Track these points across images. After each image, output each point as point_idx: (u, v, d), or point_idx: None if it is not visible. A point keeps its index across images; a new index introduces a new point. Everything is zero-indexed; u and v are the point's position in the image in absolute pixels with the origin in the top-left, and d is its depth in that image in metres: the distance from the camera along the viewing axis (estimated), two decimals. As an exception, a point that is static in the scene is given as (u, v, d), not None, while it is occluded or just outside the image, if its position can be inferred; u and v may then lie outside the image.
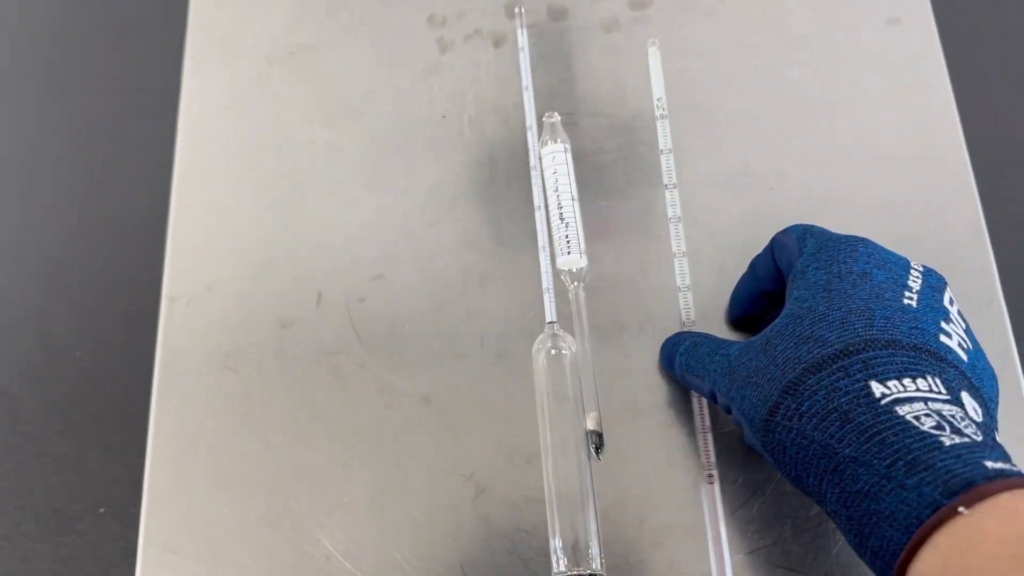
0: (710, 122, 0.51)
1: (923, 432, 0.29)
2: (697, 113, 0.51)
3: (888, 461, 0.30)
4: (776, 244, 0.41)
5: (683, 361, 0.41)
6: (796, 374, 0.33)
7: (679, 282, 0.47)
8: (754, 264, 0.43)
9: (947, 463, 0.28)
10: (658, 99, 0.51)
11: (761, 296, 0.43)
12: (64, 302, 1.05)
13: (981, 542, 0.26)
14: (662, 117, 0.51)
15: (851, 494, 0.30)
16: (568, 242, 0.46)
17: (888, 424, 0.30)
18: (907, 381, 0.31)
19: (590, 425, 0.44)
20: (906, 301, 0.34)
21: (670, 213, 0.49)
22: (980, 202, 0.48)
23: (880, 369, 0.32)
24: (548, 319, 0.46)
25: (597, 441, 0.43)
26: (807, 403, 0.32)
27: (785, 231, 0.40)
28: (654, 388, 0.45)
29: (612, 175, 0.50)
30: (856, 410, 0.31)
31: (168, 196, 0.53)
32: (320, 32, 0.56)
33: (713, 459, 0.44)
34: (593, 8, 0.54)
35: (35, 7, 1.25)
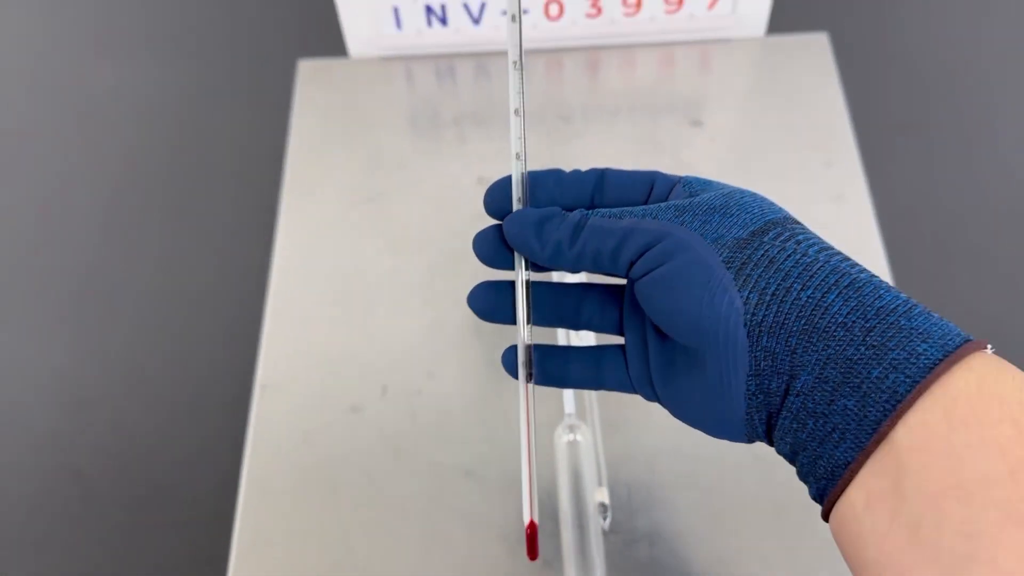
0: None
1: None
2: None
3: (907, 295, 0.32)
4: (616, 175, 0.38)
5: (582, 217, 0.36)
6: (778, 216, 0.35)
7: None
8: (563, 178, 0.38)
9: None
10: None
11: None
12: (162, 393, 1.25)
13: (1009, 372, 0.30)
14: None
15: (874, 308, 0.31)
16: (585, 352, 0.59)
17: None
18: None
19: (599, 498, 0.55)
20: None
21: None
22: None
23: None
24: (567, 411, 0.59)
25: (604, 512, 0.55)
26: (803, 235, 0.34)
27: (630, 171, 0.38)
28: (655, 469, 0.57)
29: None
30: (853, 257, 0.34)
31: (263, 309, 0.66)
32: (388, 184, 0.71)
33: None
34: (606, 176, 0.70)
35: (153, 144, 1.46)
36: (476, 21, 0.75)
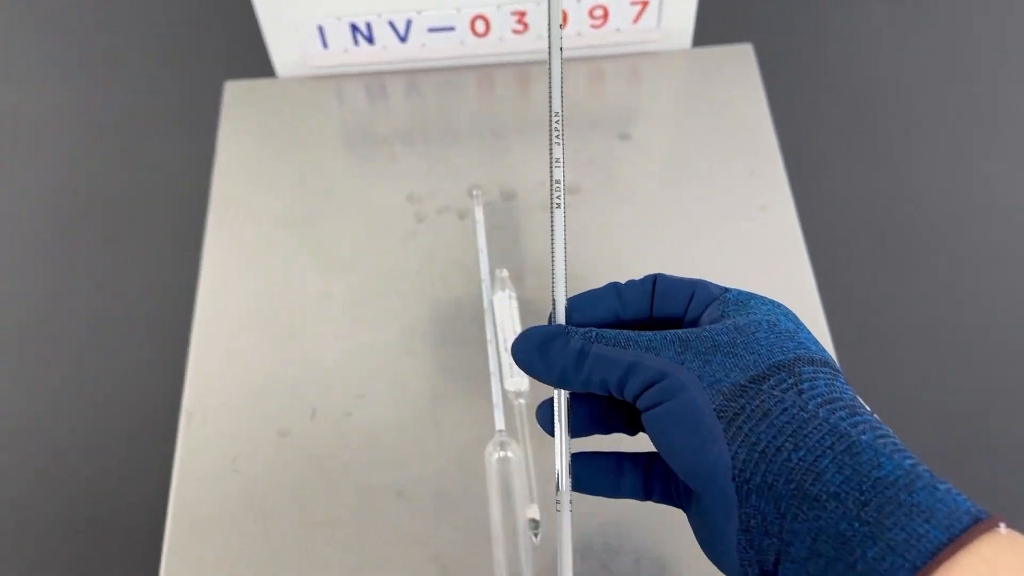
0: (620, 277, 0.65)
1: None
2: (614, 271, 0.66)
3: (912, 461, 0.29)
4: (666, 282, 0.38)
5: (585, 342, 0.35)
6: (787, 358, 0.32)
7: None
8: (621, 290, 0.38)
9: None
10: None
11: (617, 321, 0.38)
12: (88, 421, 1.23)
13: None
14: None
15: (871, 480, 0.28)
16: (512, 367, 0.59)
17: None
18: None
19: (529, 514, 0.55)
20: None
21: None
22: (832, 343, 0.62)
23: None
24: (497, 428, 0.58)
25: (535, 528, 0.55)
26: (807, 383, 0.31)
27: (678, 278, 0.38)
28: (581, 485, 0.57)
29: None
30: (865, 407, 0.31)
31: (189, 331, 0.65)
32: (318, 206, 0.70)
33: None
34: (535, 192, 0.70)
35: (78, 170, 1.44)
36: (403, 39, 0.75)
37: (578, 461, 0.38)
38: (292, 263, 0.67)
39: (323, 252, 0.68)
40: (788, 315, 0.35)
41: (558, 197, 0.36)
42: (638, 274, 0.38)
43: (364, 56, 0.76)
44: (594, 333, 0.35)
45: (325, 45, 0.75)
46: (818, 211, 1.27)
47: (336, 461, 0.59)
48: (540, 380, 0.36)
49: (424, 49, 0.76)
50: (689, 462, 0.32)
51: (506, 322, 0.61)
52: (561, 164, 0.36)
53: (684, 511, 0.36)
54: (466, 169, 0.72)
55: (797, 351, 0.33)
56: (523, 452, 0.57)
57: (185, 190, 1.19)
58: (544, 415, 0.38)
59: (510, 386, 0.59)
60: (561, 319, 0.37)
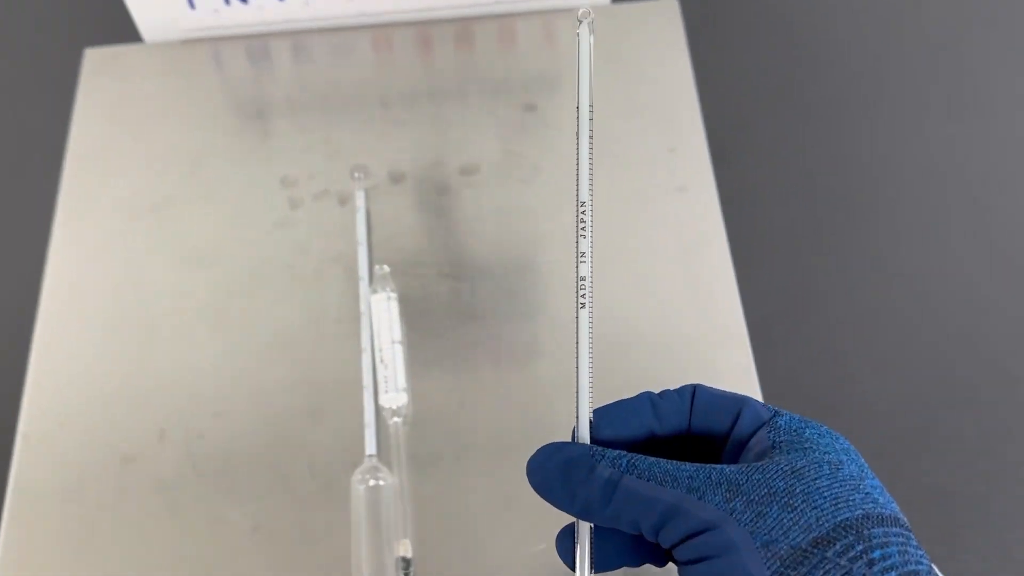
0: (521, 271, 0.58)
1: None
2: (514, 265, 0.58)
3: None
4: (706, 396, 0.34)
5: (614, 471, 0.31)
6: (854, 515, 0.28)
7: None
8: (656, 403, 0.34)
9: None
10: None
11: (650, 437, 0.34)
12: None
13: None
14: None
15: None
16: (387, 382, 0.52)
17: None
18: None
19: (400, 552, 0.48)
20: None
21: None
22: (749, 341, 0.55)
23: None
24: (367, 452, 0.51)
25: (405, 567, 0.48)
26: (878, 551, 0.28)
27: (720, 392, 0.34)
28: (464, 513, 0.50)
29: (437, 318, 0.56)
30: None
31: (31, 338, 0.57)
32: (181, 188, 0.62)
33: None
34: (428, 173, 0.62)
35: None
36: (279, -3, 0.66)
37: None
38: (147, 258, 0.59)
39: (182, 244, 0.60)
40: (849, 452, 0.31)
41: (583, 296, 0.32)
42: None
43: (240, 16, 0.67)
44: (624, 461, 0.31)
45: (192, 5, 0.66)
46: (741, 192, 1.15)
47: (185, 491, 0.51)
48: (561, 509, 0.32)
49: (307, 8, 0.67)
50: None
51: (383, 327, 0.54)
52: (588, 259, 0.32)
53: None
54: (350, 146, 0.63)
55: (864, 506, 0.29)
56: (397, 480, 0.50)
57: (33, 175, 1.04)
58: (564, 546, 0.33)
59: (385, 402, 0.52)
60: (585, 437, 0.32)
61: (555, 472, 0.31)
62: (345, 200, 0.61)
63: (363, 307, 0.55)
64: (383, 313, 0.54)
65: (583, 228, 0.33)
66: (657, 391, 0.34)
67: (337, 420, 0.53)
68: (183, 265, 0.59)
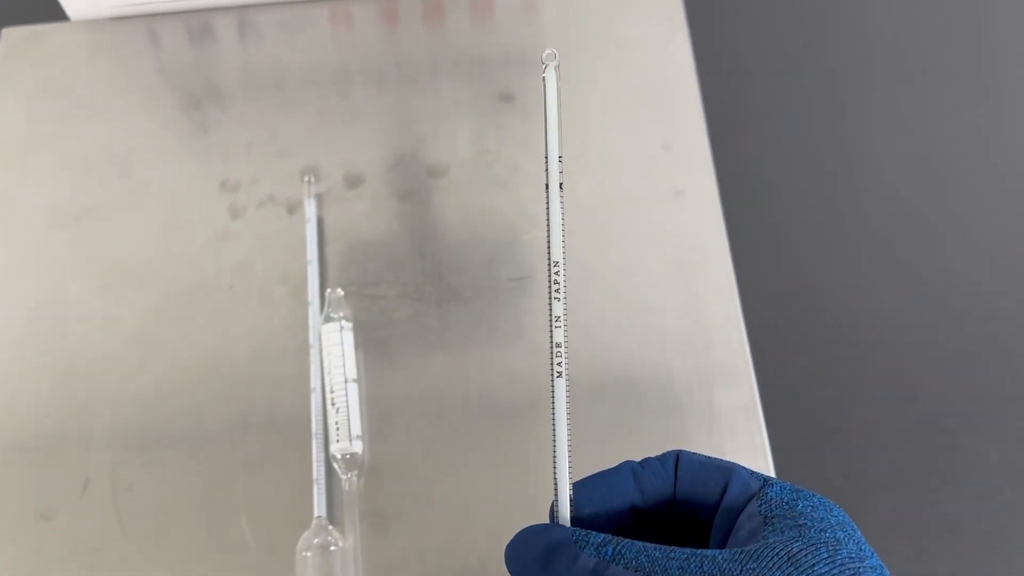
0: (495, 291, 0.51)
1: None
2: (487, 284, 0.51)
3: None
4: (691, 464, 0.33)
5: (599, 561, 0.29)
6: None
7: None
8: (638, 473, 0.33)
9: None
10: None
11: (631, 510, 0.32)
12: None
13: None
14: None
15: None
16: (338, 429, 0.45)
17: None
18: None
19: (356, 628, 0.42)
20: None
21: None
22: (754, 375, 0.48)
23: None
24: (316, 513, 0.45)
25: (362, 645, 0.42)
26: None
27: (706, 459, 0.33)
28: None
29: (397, 348, 0.49)
30: None
31: (-65, 370, 0.50)
32: (106, 195, 0.54)
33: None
34: (390, 176, 0.54)
35: None
36: (218, -31, 0.57)
37: None
38: (67, 278, 0.52)
39: (109, 260, 0.52)
40: (845, 527, 0.30)
41: (559, 364, 0.29)
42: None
43: (174, -9, 0.59)
44: (610, 549, 0.29)
45: (117, -22, 0.57)
46: (744, 197, 1.03)
47: (112, 553, 0.45)
48: None
49: (251, -19, 0.59)
50: None
51: (334, 363, 0.47)
52: (562, 324, 0.29)
53: None
54: (301, 143, 0.56)
55: None
56: (352, 544, 0.44)
57: None
58: None
59: (336, 451, 0.45)
60: (566, 516, 0.30)
61: (534, 561, 0.29)
62: (294, 208, 0.53)
63: (312, 338, 0.48)
64: (335, 347, 0.47)
65: (556, 290, 0.29)
66: (639, 459, 0.32)
67: (282, 471, 0.46)
68: (109, 285, 0.51)
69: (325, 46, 0.60)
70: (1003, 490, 0.96)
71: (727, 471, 0.31)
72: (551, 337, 0.29)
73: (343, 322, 0.48)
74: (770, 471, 0.46)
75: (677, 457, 0.32)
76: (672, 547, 0.29)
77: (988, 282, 1.09)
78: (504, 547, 0.30)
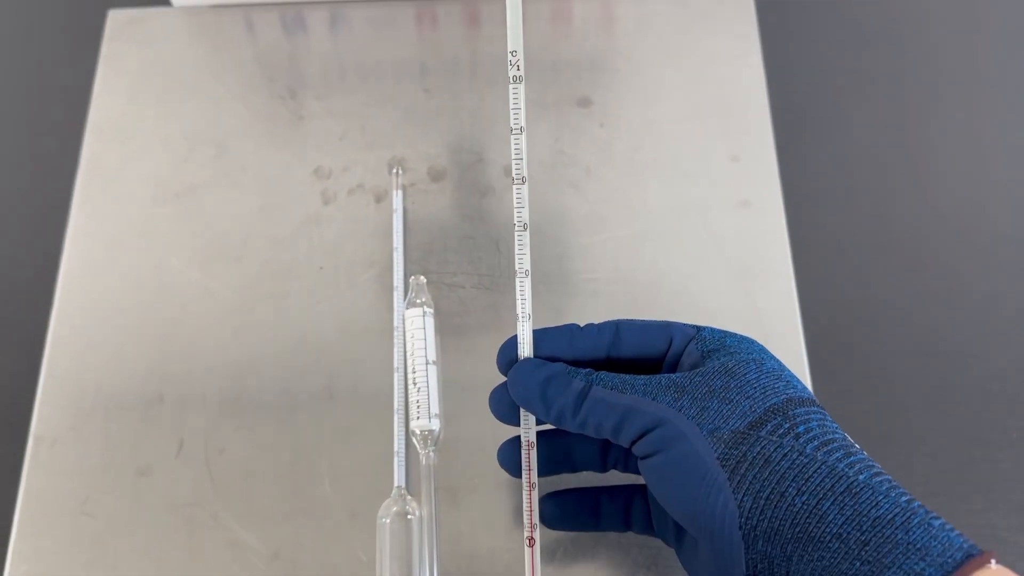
0: (570, 290, 0.54)
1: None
2: (558, 278, 0.54)
3: (907, 497, 0.31)
4: (632, 329, 0.38)
5: (586, 384, 0.36)
6: (779, 400, 0.34)
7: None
8: (574, 333, 0.39)
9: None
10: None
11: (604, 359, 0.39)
12: None
13: None
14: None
15: (870, 519, 0.30)
16: (419, 407, 0.48)
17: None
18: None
19: (429, 591, 0.45)
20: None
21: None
22: (811, 384, 0.51)
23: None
24: (396, 483, 0.48)
25: (434, 607, 0.45)
26: (803, 426, 0.33)
27: (646, 322, 0.39)
28: (496, 550, 0.47)
29: (473, 335, 0.53)
30: (855, 445, 0.33)
31: (45, 331, 0.54)
32: (205, 175, 0.58)
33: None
34: (471, 172, 0.57)
35: None
36: (318, -33, 0.60)
37: (553, 500, 0.42)
38: (167, 251, 0.55)
39: (207, 236, 0.56)
40: (765, 352, 0.37)
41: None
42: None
43: (274, -16, 0.62)
44: (594, 376, 0.36)
45: (223, -30, 0.61)
46: (809, 209, 1.03)
47: (203, 510, 0.49)
48: (537, 417, 0.38)
49: (347, -21, 0.62)
50: (692, 511, 0.33)
51: (416, 346, 0.50)
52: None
53: (669, 545, 0.39)
54: (389, 136, 0.59)
55: (787, 391, 0.34)
56: (429, 513, 0.47)
57: (52, 152, 0.89)
58: (506, 457, 0.41)
59: (415, 428, 0.49)
60: (528, 350, 0.39)
61: (536, 385, 0.37)
62: (381, 197, 0.57)
63: (396, 321, 0.52)
64: (418, 331, 0.50)
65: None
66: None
67: (365, 443, 0.50)
68: (207, 259, 0.55)
69: (410, 44, 0.63)
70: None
71: (667, 327, 0.38)
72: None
73: (426, 308, 0.51)
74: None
75: (617, 326, 0.38)
76: (638, 375, 0.36)
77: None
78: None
